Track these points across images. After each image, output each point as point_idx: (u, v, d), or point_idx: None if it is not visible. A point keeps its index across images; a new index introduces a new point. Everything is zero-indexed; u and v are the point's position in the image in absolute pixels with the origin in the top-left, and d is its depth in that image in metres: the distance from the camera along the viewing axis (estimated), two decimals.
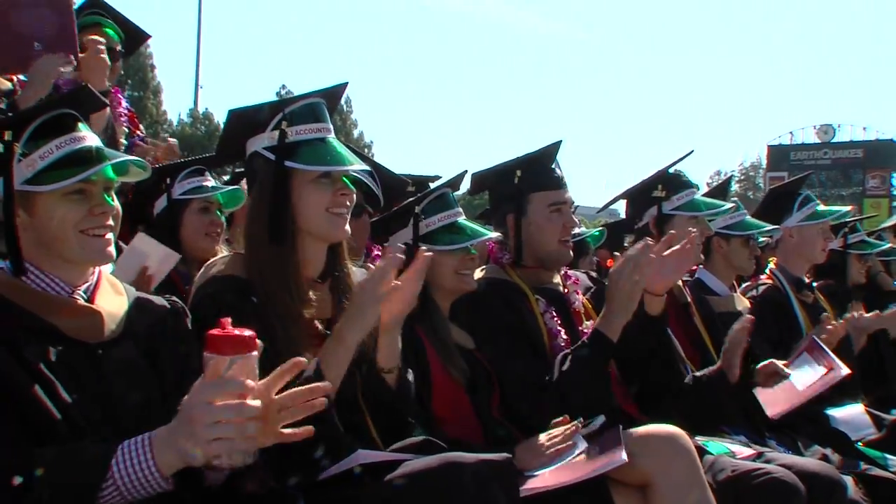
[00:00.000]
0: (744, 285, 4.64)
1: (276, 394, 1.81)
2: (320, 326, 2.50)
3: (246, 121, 2.54)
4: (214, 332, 1.76)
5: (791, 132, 46.13)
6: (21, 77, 4.18)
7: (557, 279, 3.43)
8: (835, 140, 44.98)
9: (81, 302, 2.12)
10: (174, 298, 2.37)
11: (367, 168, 2.57)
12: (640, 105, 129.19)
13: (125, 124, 4.86)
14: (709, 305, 4.05)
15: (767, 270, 4.58)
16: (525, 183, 3.33)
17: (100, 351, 2.09)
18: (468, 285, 3.08)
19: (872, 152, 43.42)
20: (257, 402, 1.74)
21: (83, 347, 2.07)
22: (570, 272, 3.54)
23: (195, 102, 44.97)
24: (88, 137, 2.11)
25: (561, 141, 3.39)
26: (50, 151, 2.05)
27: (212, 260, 2.64)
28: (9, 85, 4.08)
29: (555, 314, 3.26)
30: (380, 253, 3.83)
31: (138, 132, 5.05)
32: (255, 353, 1.77)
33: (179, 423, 1.78)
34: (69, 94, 2.38)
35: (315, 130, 2.52)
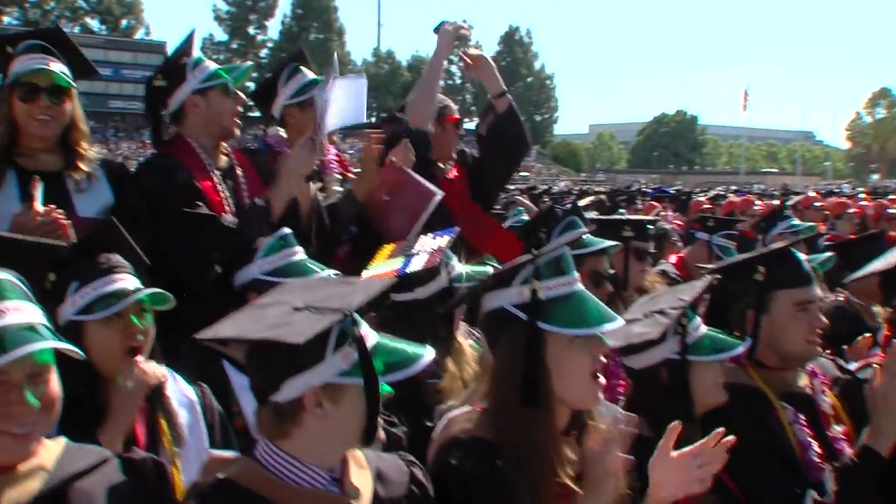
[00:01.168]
0: None
1: None
2: (570, 483, 2.45)
3: (496, 282, 2.52)
4: None
5: None
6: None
7: (804, 379, 3.24)
8: None
9: (336, 493, 2.06)
10: (412, 462, 2.35)
11: (623, 321, 2.49)
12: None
13: (336, 171, 4.95)
14: None
15: None
16: (770, 279, 3.16)
17: None
18: (720, 398, 2.94)
19: None
20: None
21: None
22: (818, 364, 3.34)
23: (378, 41, 45.73)
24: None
25: (802, 239, 3.19)
26: None
27: (454, 413, 2.62)
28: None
29: (804, 423, 3.09)
30: None
31: (350, 174, 5.09)
32: None
33: None
34: None
35: (565, 285, 2.47)
